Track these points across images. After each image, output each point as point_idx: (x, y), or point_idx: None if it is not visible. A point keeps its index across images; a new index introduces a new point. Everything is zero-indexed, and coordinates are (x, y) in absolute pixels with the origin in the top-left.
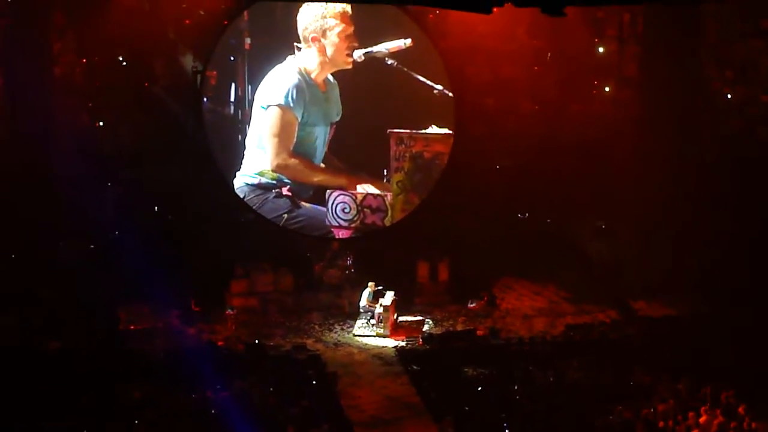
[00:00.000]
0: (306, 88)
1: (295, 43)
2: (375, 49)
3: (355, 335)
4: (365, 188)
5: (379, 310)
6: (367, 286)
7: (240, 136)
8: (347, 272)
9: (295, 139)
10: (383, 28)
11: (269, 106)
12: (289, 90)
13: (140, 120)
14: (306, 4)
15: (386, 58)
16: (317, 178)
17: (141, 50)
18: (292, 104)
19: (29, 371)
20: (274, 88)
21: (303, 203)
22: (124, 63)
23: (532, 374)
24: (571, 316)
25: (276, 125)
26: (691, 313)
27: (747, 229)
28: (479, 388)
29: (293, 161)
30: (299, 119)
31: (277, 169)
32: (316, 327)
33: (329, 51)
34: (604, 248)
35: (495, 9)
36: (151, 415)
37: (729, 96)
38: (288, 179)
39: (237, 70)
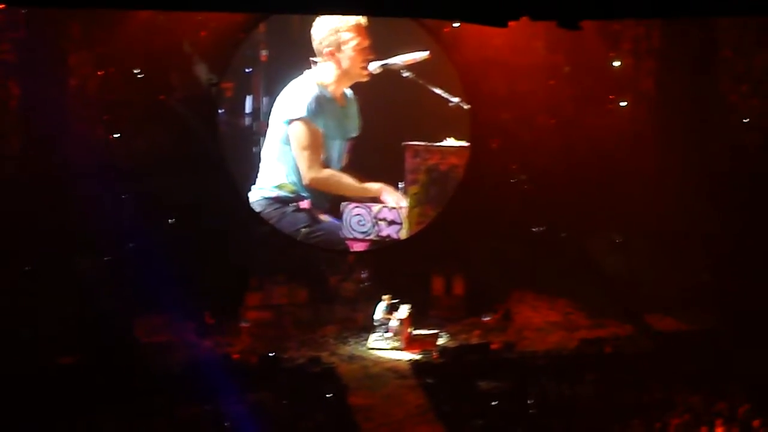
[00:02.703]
0: (325, 101)
1: (311, 58)
2: (391, 61)
3: (369, 348)
4: (393, 198)
5: (394, 323)
6: (382, 300)
7: (256, 149)
8: (362, 285)
9: (323, 152)
10: (399, 41)
11: (291, 120)
12: (310, 103)
13: (156, 132)
14: (320, 17)
15: (402, 71)
16: (351, 190)
17: (157, 62)
18: (314, 117)
19: (43, 385)
20: (294, 103)
21: (321, 217)
22: (140, 75)
23: (547, 388)
24: (587, 330)
25: (303, 139)
26: (707, 327)
27: (764, 244)
28: (494, 402)
29: (327, 172)
30: (322, 131)
31: (312, 182)
32: (331, 340)
33: (345, 64)
34: (619, 262)
35: (511, 22)
36: (166, 428)
37: (745, 110)
38: (321, 192)
39: (253, 82)
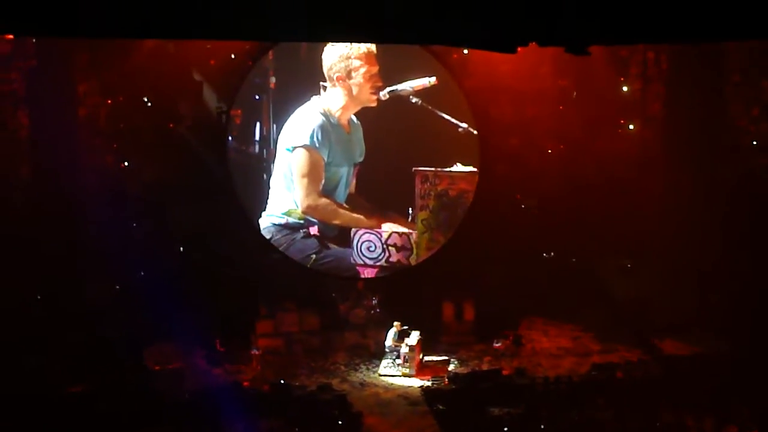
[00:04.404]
0: (330, 128)
1: (321, 83)
2: (400, 87)
3: (380, 375)
4: (390, 227)
5: (404, 349)
6: (392, 326)
7: (265, 175)
8: (372, 312)
9: (323, 180)
10: (407, 67)
11: (295, 147)
12: (314, 131)
13: (165, 160)
14: (330, 44)
15: (411, 96)
16: (347, 219)
17: (166, 91)
18: (317, 145)
19: (52, 412)
20: (298, 130)
21: (330, 244)
22: (149, 104)
23: (559, 414)
24: (598, 355)
25: (304, 166)
26: (717, 351)
27: None
28: (505, 429)
29: (323, 202)
30: (325, 159)
31: (308, 210)
32: (342, 367)
33: (354, 91)
34: (629, 287)
35: (519, 48)
36: None
37: (754, 134)
38: (317, 220)
39: (262, 109)
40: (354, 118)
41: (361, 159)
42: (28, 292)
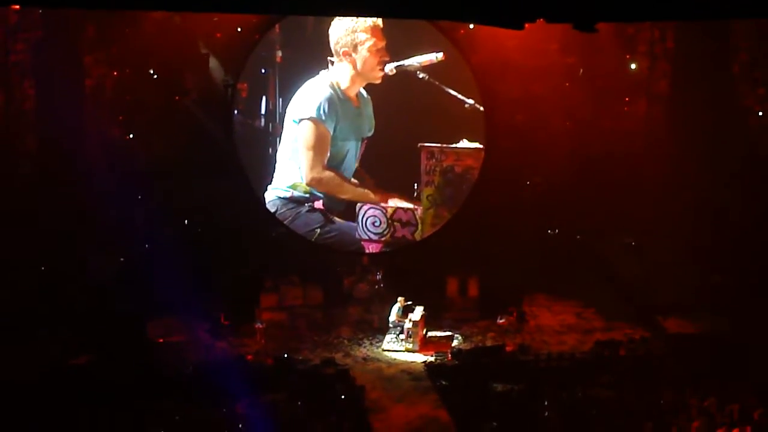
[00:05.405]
0: (338, 102)
1: (329, 57)
2: (406, 62)
3: (384, 350)
4: (396, 202)
5: (408, 325)
6: (396, 301)
7: (271, 149)
8: (377, 287)
9: (329, 153)
10: (415, 42)
11: (301, 120)
12: (321, 104)
13: (171, 133)
14: (337, 18)
15: (418, 72)
16: (350, 193)
17: (172, 64)
18: (324, 118)
19: (57, 384)
20: (305, 102)
21: (335, 218)
22: (155, 76)
23: (561, 391)
24: (601, 333)
25: (309, 139)
26: (721, 330)
27: None
28: (508, 404)
29: (328, 175)
30: (331, 133)
31: (312, 182)
32: (345, 341)
33: (360, 65)
34: (633, 265)
35: (527, 25)
36: (178, 428)
37: (760, 113)
38: (321, 193)
39: (268, 82)
40: (364, 92)
41: (370, 134)
42: (32, 263)
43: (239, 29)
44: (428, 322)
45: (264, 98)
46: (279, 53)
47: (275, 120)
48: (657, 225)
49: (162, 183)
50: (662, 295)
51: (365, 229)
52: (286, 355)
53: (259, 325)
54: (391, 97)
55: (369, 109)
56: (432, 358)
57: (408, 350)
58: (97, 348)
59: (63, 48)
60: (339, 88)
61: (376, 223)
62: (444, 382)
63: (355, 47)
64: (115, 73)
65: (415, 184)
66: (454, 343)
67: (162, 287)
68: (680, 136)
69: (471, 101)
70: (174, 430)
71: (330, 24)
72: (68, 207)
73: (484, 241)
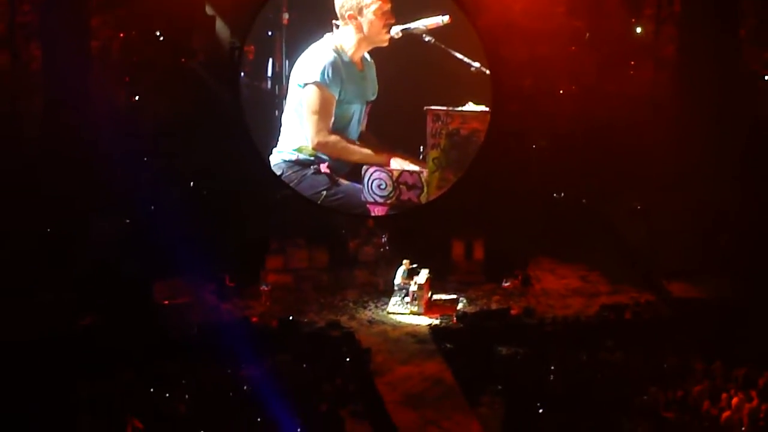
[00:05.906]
0: (342, 66)
1: (333, 21)
2: (412, 25)
3: (389, 313)
4: (401, 164)
5: (413, 288)
6: (401, 264)
7: (277, 112)
8: (382, 250)
9: (333, 117)
10: (420, 5)
11: (306, 84)
12: (325, 68)
13: (177, 95)
14: None
15: (424, 35)
16: (357, 156)
17: (179, 25)
18: (328, 82)
19: (63, 346)
20: (309, 66)
21: (341, 180)
22: (162, 38)
23: (567, 354)
24: (606, 296)
25: (314, 103)
26: (726, 295)
27: None
28: (513, 367)
29: (333, 138)
30: (336, 97)
31: (318, 146)
32: (351, 304)
33: (366, 28)
34: (639, 229)
35: None
36: (185, 390)
37: (767, 78)
38: (327, 156)
39: (275, 45)
40: (368, 56)
41: (373, 97)
42: (37, 225)
43: None
44: (433, 285)
45: (270, 60)
46: (285, 15)
47: (281, 82)
48: (664, 189)
49: (168, 145)
50: (669, 260)
51: (371, 191)
52: (291, 318)
53: (264, 287)
54: (396, 61)
55: (372, 73)
56: (437, 321)
57: (413, 313)
58: (103, 310)
59: (69, 9)
60: (343, 51)
61: (382, 186)
62: (449, 345)
63: (360, 10)
64: (122, 35)
65: (421, 147)
66: (459, 306)
67: (167, 249)
68: (686, 100)
69: (477, 64)
70: (179, 391)
71: None
72: (74, 169)
73: (489, 204)
